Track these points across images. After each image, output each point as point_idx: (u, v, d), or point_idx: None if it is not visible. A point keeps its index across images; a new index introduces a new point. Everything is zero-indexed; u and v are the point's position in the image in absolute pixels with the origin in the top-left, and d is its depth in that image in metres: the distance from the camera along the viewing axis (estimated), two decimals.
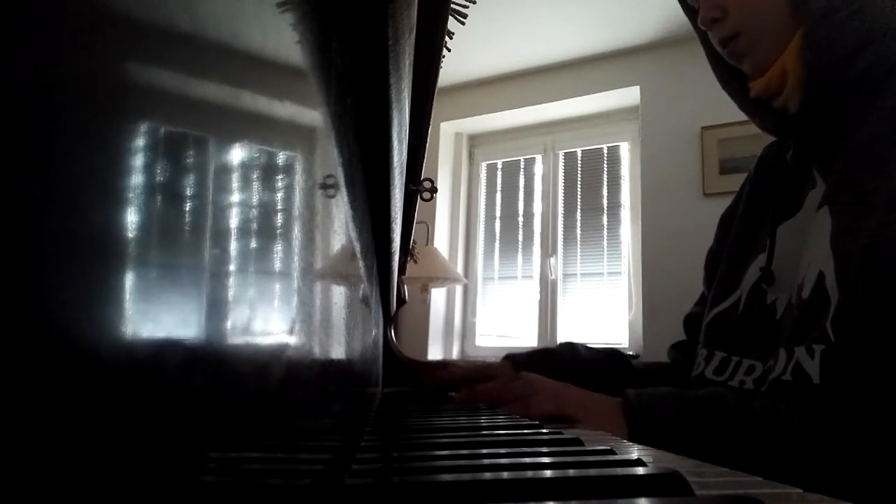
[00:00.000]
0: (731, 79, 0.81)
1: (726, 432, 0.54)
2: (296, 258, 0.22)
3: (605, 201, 3.30)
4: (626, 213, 3.22)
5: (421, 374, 1.02)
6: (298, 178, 0.23)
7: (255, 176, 0.16)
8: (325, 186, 0.29)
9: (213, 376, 0.13)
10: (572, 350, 0.94)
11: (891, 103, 0.63)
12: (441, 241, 3.46)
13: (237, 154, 0.15)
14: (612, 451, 0.36)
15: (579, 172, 3.41)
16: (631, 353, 2.93)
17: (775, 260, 0.73)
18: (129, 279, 0.09)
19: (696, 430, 0.55)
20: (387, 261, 0.83)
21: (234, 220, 0.14)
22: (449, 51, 1.36)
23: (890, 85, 0.64)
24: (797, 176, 0.75)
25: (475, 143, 3.74)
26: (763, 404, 0.56)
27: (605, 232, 3.27)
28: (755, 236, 0.79)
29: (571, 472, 0.29)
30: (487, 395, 0.74)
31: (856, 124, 0.66)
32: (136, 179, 0.09)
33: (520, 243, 3.50)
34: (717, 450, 0.53)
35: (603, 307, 3.19)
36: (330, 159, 0.31)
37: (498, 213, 3.62)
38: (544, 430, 0.49)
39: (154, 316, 0.10)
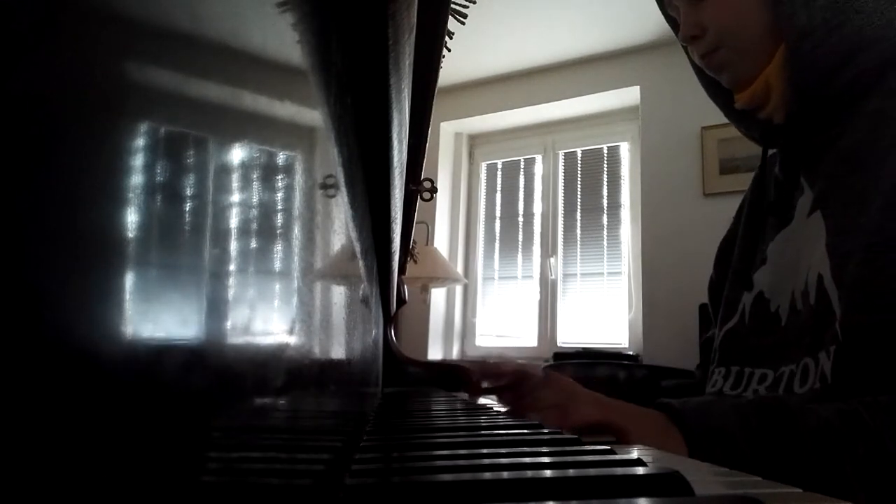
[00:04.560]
0: (716, 88, 0.82)
1: (796, 435, 0.50)
2: (296, 258, 0.22)
3: (605, 201, 3.30)
4: (626, 213, 3.22)
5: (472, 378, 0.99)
6: (298, 178, 0.23)
7: (255, 176, 0.16)
8: (325, 186, 0.29)
9: (212, 376, 0.13)
10: None
11: (874, 107, 0.65)
12: (441, 241, 3.46)
13: (237, 154, 0.15)
14: (611, 451, 0.36)
15: (579, 172, 3.41)
16: (631, 353, 2.93)
17: (774, 269, 0.74)
18: (129, 279, 0.09)
19: (761, 435, 0.50)
20: (387, 261, 0.83)
21: (234, 221, 0.14)
22: (449, 51, 1.36)
23: (872, 91, 0.66)
24: (787, 185, 0.76)
25: (475, 143, 3.74)
26: (825, 406, 0.52)
27: (605, 232, 3.27)
28: (753, 251, 0.80)
29: (571, 472, 0.29)
30: (514, 403, 0.68)
31: (841, 131, 0.67)
32: (136, 179, 0.09)
33: (520, 243, 3.50)
34: (787, 455, 0.49)
35: (603, 307, 3.19)
36: (330, 159, 0.31)
37: (498, 213, 3.62)
38: (544, 430, 0.49)
39: (154, 316, 0.10)
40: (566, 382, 0.61)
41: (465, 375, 1.14)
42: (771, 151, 0.83)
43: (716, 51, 0.74)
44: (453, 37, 1.49)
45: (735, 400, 0.57)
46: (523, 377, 0.82)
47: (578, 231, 3.35)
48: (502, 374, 0.87)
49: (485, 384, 0.93)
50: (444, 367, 1.42)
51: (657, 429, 0.52)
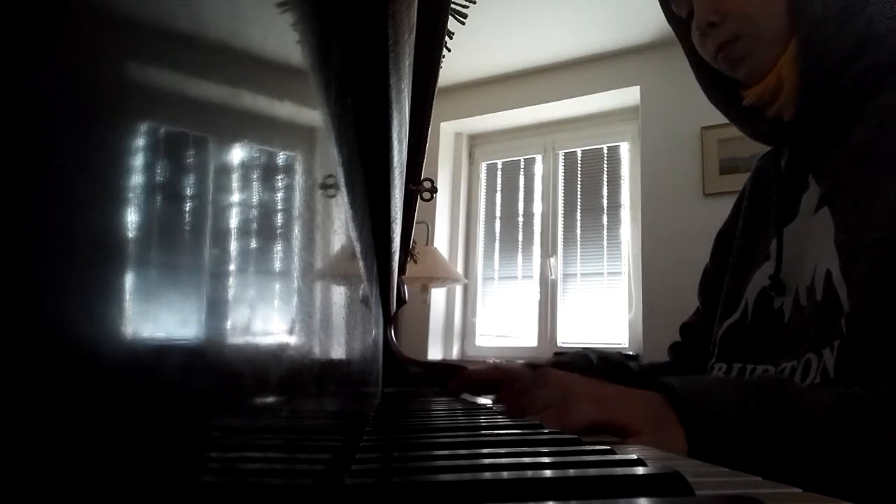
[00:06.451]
0: (716, 90, 0.81)
1: (796, 422, 0.48)
2: (296, 258, 0.22)
3: (605, 201, 3.30)
4: (626, 213, 3.22)
5: (453, 377, 1.02)
6: (298, 178, 0.23)
7: (255, 176, 0.16)
8: (325, 186, 0.29)
9: (212, 376, 0.13)
10: (585, 359, 0.94)
11: (884, 103, 0.64)
12: (441, 241, 3.46)
13: (237, 154, 0.15)
14: (611, 451, 0.36)
15: (579, 172, 3.41)
16: (631, 353, 2.93)
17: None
18: (129, 279, 0.09)
19: (760, 421, 0.49)
20: (387, 261, 0.83)
21: (234, 221, 0.14)
22: (449, 51, 1.36)
23: (883, 87, 0.65)
24: (793, 182, 0.76)
25: (475, 143, 3.74)
26: (826, 392, 0.51)
27: (605, 232, 3.27)
28: (755, 247, 0.80)
29: (571, 472, 0.29)
30: (511, 402, 0.65)
31: (850, 127, 0.67)
32: (137, 179, 0.09)
33: (520, 243, 3.50)
34: (786, 442, 0.48)
35: (603, 307, 3.19)
36: (330, 159, 0.31)
37: (498, 213, 3.62)
38: (544, 430, 0.48)
39: (154, 316, 0.10)
40: (563, 379, 0.59)
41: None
42: (767, 149, 0.83)
43: (736, 40, 0.72)
44: (453, 37, 1.49)
45: (737, 380, 0.56)
46: (509, 377, 0.82)
47: (578, 231, 3.34)
48: (483, 380, 0.89)
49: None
50: (444, 367, 1.42)
51: (655, 417, 0.51)
